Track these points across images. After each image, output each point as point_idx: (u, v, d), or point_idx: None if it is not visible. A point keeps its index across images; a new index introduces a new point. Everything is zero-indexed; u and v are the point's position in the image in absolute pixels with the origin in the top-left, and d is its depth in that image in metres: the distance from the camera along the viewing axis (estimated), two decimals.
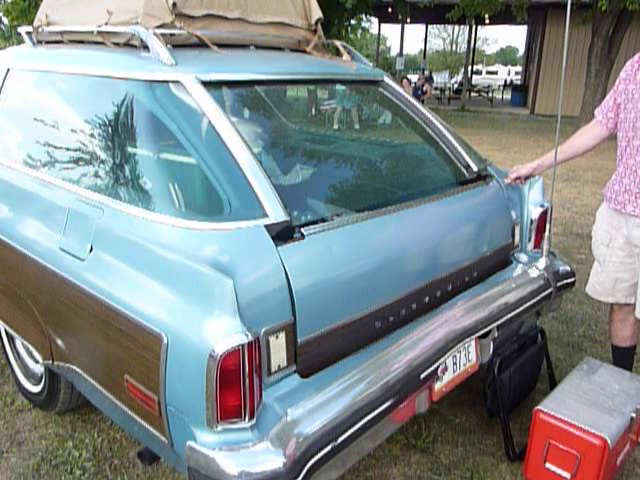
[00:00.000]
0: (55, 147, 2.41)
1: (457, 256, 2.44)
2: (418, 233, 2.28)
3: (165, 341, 1.63)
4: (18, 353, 2.89)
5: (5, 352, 2.97)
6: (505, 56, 70.01)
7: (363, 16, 18.75)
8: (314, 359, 1.88)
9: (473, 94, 26.78)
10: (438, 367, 2.11)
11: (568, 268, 2.88)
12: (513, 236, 2.76)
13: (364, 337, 2.04)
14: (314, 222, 1.96)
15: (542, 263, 2.68)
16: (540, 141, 12.93)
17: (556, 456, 2.21)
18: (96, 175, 2.15)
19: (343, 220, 2.01)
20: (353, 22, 18.08)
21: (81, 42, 2.63)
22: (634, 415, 2.24)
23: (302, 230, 1.87)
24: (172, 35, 2.33)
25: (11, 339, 2.91)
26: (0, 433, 2.64)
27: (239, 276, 1.64)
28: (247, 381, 1.60)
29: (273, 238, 1.77)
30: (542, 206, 2.79)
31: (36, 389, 2.75)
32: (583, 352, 3.44)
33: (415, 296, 2.23)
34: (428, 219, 2.35)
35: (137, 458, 2.17)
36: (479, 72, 42.23)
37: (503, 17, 17.56)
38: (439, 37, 55.20)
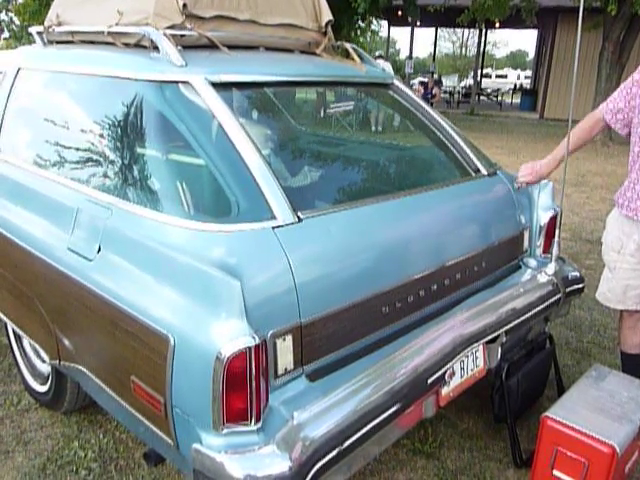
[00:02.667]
0: (64, 147, 2.41)
1: (461, 243, 2.41)
2: (420, 220, 2.28)
3: (172, 343, 1.62)
4: (25, 352, 2.90)
5: (12, 351, 2.97)
6: (515, 60, 69.84)
7: (373, 19, 18.76)
8: (320, 347, 1.86)
9: (482, 98, 26.73)
10: (445, 372, 2.10)
11: (577, 274, 2.86)
12: (522, 240, 2.75)
13: (371, 325, 2.04)
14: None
15: (551, 268, 2.66)
16: (549, 145, 12.79)
17: (564, 463, 2.19)
18: (105, 175, 2.16)
19: (341, 206, 2.02)
20: (363, 25, 18.08)
21: (91, 42, 2.63)
22: None
23: (299, 214, 1.86)
24: (182, 36, 2.33)
25: (18, 338, 2.92)
26: (6, 432, 2.65)
27: (246, 278, 1.63)
28: (253, 384, 1.59)
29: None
30: (552, 211, 2.77)
31: (43, 389, 2.75)
32: (592, 358, 3.42)
33: (422, 283, 2.20)
34: (429, 206, 2.34)
35: (142, 459, 2.17)
36: (488, 76, 42.19)
37: (513, 21, 17.53)
38: (449, 40, 55.11)
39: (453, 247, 2.37)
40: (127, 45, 2.41)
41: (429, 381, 2.02)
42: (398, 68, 28.58)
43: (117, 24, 2.40)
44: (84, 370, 2.13)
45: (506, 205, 2.69)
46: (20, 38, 20.84)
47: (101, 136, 2.23)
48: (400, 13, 20.03)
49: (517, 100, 26.49)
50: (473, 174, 2.69)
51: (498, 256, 2.60)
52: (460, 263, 2.37)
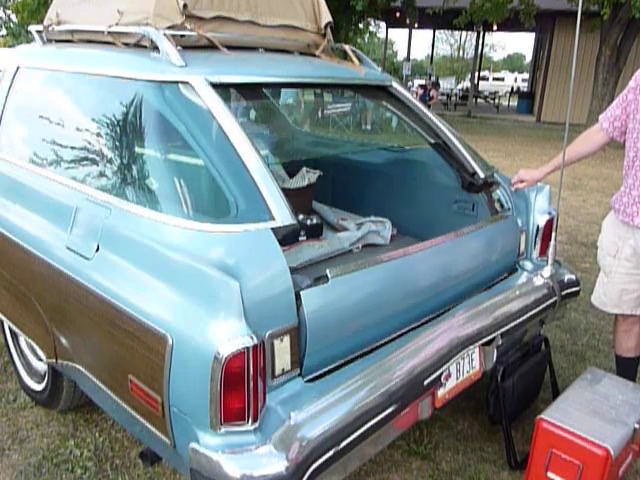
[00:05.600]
0: (63, 146, 2.41)
1: (468, 286, 2.48)
2: (434, 269, 2.32)
3: (170, 342, 1.63)
4: (22, 351, 2.90)
5: (8, 349, 2.97)
6: (512, 63, 69.87)
7: (371, 20, 18.77)
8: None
9: (479, 100, 26.77)
10: (442, 374, 2.11)
11: (573, 277, 2.87)
12: (519, 246, 2.76)
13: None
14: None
15: (547, 271, 2.67)
16: (546, 148, 12.91)
17: (558, 465, 2.20)
18: (104, 175, 2.16)
19: (367, 262, 2.02)
20: (361, 26, 18.08)
21: (91, 42, 2.63)
22: (637, 426, 2.23)
23: (327, 273, 1.87)
24: (182, 36, 2.33)
25: (15, 336, 2.92)
26: (2, 430, 2.65)
27: (245, 279, 1.64)
28: (251, 384, 1.60)
29: (280, 241, 1.77)
30: (548, 214, 2.79)
31: (39, 387, 2.75)
32: (586, 361, 3.43)
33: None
34: (444, 256, 2.37)
35: (138, 458, 2.17)
36: (486, 78, 42.20)
37: (511, 24, 17.57)
38: (446, 43, 55.20)
39: (459, 289, 2.44)
40: (127, 45, 2.41)
41: (425, 383, 2.03)
42: (396, 70, 28.51)
43: (117, 24, 2.40)
44: (81, 369, 2.13)
45: (511, 246, 2.75)
46: (18, 36, 20.78)
47: (100, 135, 2.23)
48: (398, 15, 20.07)
49: (514, 103, 26.51)
50: (471, 178, 2.70)
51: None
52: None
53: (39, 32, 2.90)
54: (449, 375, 2.19)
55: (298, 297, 1.77)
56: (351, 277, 1.95)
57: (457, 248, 2.42)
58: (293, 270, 1.79)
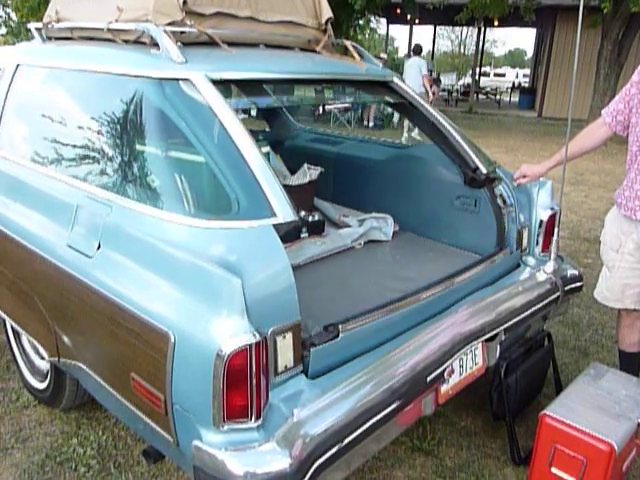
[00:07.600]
0: (64, 144, 2.41)
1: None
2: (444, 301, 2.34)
3: (172, 340, 1.62)
4: (24, 349, 2.90)
5: (11, 348, 2.97)
6: (513, 58, 69.71)
7: (372, 17, 18.73)
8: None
9: (481, 96, 26.69)
10: (445, 370, 2.10)
11: (576, 272, 2.86)
12: (521, 240, 2.75)
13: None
14: None
15: (550, 267, 2.66)
16: (547, 144, 12.87)
17: (562, 461, 2.19)
18: (104, 172, 2.15)
19: (379, 313, 2.04)
20: (361, 22, 18.03)
21: (91, 39, 2.63)
22: None
23: (339, 327, 1.89)
24: (182, 33, 2.32)
25: (17, 335, 2.92)
26: (5, 429, 2.65)
27: (247, 275, 1.63)
28: (254, 381, 1.60)
29: (281, 238, 1.76)
30: (551, 209, 2.78)
31: (41, 386, 2.75)
32: (589, 357, 3.43)
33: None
34: (454, 293, 2.39)
35: (142, 456, 2.17)
36: (487, 74, 42.09)
37: (512, 19, 17.49)
38: (447, 38, 55.04)
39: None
40: (127, 42, 2.41)
41: (428, 379, 2.02)
42: (397, 66, 28.44)
43: (117, 20, 2.40)
44: (83, 367, 2.13)
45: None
46: (17, 34, 20.76)
47: (101, 133, 2.22)
48: (399, 11, 20.01)
49: (515, 99, 26.42)
50: (473, 173, 2.69)
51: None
52: None
53: (39, 30, 2.90)
54: (452, 371, 2.19)
55: (306, 347, 1.80)
56: (363, 328, 1.97)
57: (465, 283, 2.44)
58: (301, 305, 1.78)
